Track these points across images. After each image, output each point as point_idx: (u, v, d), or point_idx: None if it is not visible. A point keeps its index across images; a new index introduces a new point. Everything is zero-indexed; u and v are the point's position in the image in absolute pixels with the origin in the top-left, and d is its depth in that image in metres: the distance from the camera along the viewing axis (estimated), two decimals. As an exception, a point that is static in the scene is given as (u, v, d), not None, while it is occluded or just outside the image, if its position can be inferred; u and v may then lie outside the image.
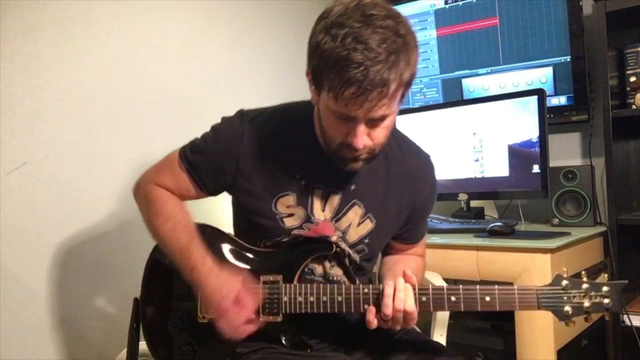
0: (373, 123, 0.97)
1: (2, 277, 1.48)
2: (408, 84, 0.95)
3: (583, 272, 1.01)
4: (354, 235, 1.16)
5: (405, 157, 1.19)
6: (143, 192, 1.17)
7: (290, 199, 1.12)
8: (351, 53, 0.87)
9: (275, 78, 2.31)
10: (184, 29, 1.99)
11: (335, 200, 1.14)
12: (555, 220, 1.86)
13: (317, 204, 1.13)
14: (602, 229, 1.82)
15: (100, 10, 1.72)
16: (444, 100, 2.34)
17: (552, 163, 1.89)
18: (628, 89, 1.87)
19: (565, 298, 0.99)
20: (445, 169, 2.07)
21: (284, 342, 1.11)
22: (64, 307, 1.62)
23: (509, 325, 1.62)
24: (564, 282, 0.99)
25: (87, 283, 1.68)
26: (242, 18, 2.20)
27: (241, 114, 1.16)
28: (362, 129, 0.96)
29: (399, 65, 0.90)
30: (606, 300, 0.97)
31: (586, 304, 0.98)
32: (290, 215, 1.13)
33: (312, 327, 1.15)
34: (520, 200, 2.08)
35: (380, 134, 1.00)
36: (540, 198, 1.90)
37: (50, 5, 1.60)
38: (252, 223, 1.15)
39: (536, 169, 1.87)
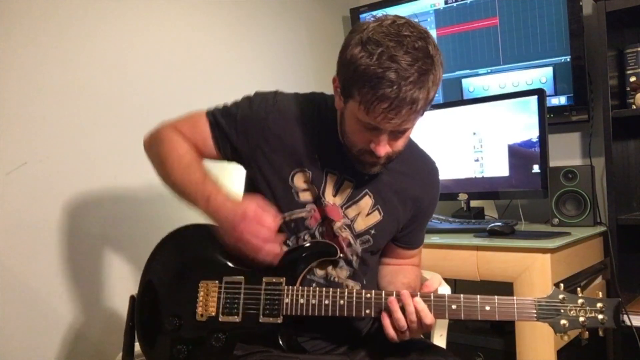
0: (396, 134, 1.05)
1: (2, 277, 1.49)
2: (432, 100, 1.03)
3: (579, 289, 1.04)
4: (362, 224, 1.19)
5: (416, 159, 1.26)
6: (159, 135, 1.19)
7: (307, 175, 1.16)
8: (386, 72, 0.94)
9: (275, 77, 2.31)
10: (183, 29, 1.99)
11: (349, 188, 1.18)
12: (555, 220, 1.86)
13: (329, 188, 1.17)
14: (602, 229, 1.82)
15: (100, 11, 1.72)
16: (444, 100, 2.34)
17: (552, 163, 1.89)
18: (628, 89, 1.87)
19: (562, 311, 1.02)
20: (445, 169, 2.07)
21: (281, 343, 1.10)
22: (64, 307, 1.62)
23: (509, 325, 1.62)
24: (561, 296, 1.02)
25: (87, 283, 1.68)
26: (242, 17, 2.20)
27: (275, 91, 1.21)
28: (385, 139, 1.04)
29: (428, 84, 0.97)
30: (600, 316, 1.00)
31: (581, 318, 1.01)
32: (305, 190, 1.17)
33: (311, 330, 1.16)
34: (520, 200, 2.08)
35: (400, 143, 1.08)
36: (540, 198, 1.90)
37: (49, 6, 1.60)
38: (266, 197, 1.16)
39: (536, 169, 1.87)
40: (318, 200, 1.16)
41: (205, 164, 1.19)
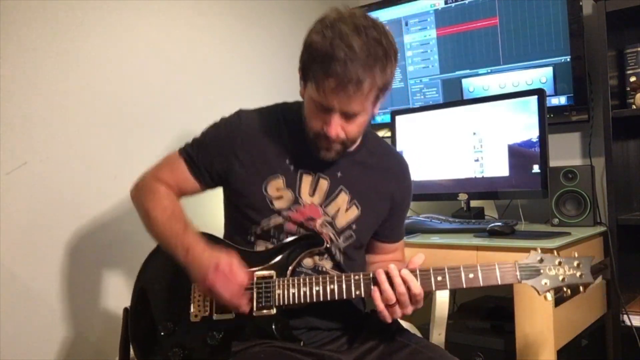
0: (347, 118, 1.08)
1: (2, 277, 1.49)
2: (381, 90, 1.07)
3: (555, 250, 1.09)
4: (342, 220, 1.23)
5: (387, 155, 1.32)
6: (143, 187, 1.24)
7: (280, 181, 1.20)
8: (335, 50, 1.00)
9: (274, 79, 2.31)
10: (183, 30, 1.99)
11: (325, 185, 1.22)
12: (555, 220, 1.86)
13: (305, 188, 1.21)
14: (602, 229, 1.82)
15: (100, 11, 1.72)
16: (444, 100, 2.34)
17: (552, 163, 1.88)
18: (628, 89, 1.87)
19: (542, 271, 1.06)
20: (445, 169, 2.07)
21: (275, 332, 1.12)
22: (64, 307, 1.62)
23: (509, 325, 1.62)
24: (539, 257, 1.07)
25: (86, 283, 1.68)
26: (242, 17, 2.20)
27: (238, 111, 1.26)
28: (336, 120, 1.08)
29: (375, 69, 1.02)
30: (578, 273, 1.05)
31: (561, 276, 1.05)
32: (280, 197, 1.20)
33: (306, 321, 1.18)
34: (520, 200, 2.08)
35: (353, 129, 1.11)
36: (540, 198, 1.90)
37: (49, 6, 1.60)
38: (243, 210, 1.21)
39: (536, 169, 1.87)
40: (296, 201, 1.19)
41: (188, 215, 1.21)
